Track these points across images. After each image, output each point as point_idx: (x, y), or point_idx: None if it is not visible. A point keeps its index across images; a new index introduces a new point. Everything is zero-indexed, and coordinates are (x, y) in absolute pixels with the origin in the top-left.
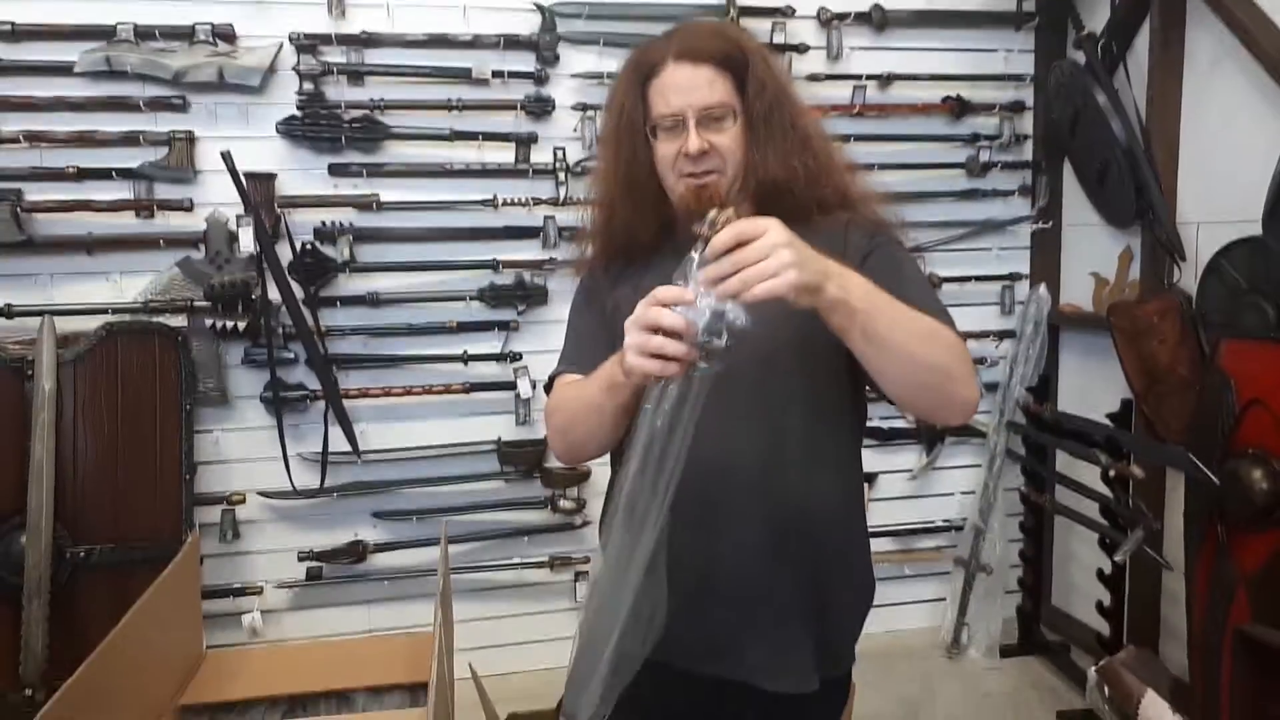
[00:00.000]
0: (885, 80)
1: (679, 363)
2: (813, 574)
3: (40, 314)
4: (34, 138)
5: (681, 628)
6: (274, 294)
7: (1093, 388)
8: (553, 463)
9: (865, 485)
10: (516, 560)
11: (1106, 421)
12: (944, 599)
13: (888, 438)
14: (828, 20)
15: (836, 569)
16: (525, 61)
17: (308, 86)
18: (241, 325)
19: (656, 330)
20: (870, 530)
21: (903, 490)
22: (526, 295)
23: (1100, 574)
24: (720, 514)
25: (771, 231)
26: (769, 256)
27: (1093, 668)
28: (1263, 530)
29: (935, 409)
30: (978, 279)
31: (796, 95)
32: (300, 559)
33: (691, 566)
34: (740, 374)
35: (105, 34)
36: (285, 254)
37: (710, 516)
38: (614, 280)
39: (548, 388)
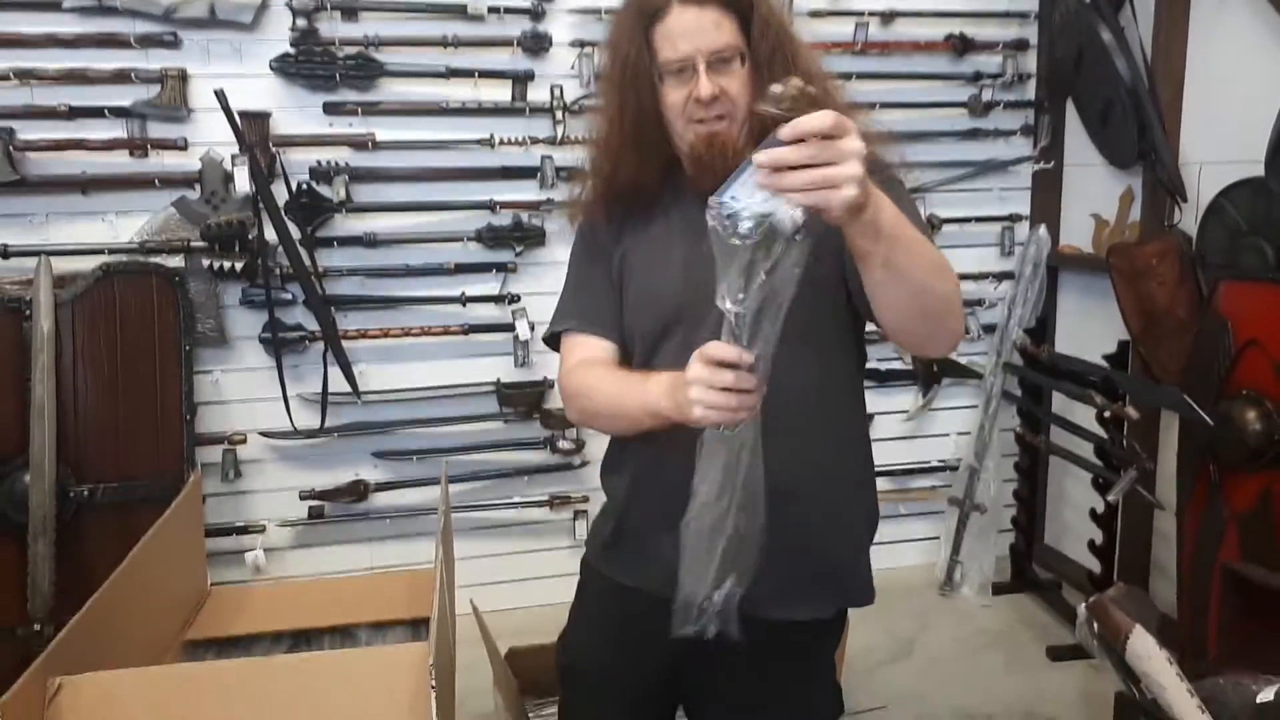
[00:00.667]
0: (887, 17)
1: (748, 410)
2: (823, 512)
3: (36, 254)
4: (25, 75)
5: None
6: (271, 234)
7: (1090, 329)
8: (551, 404)
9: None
10: (516, 499)
11: (1103, 363)
12: (938, 537)
13: (884, 379)
14: None
15: (846, 507)
16: None
17: (301, 23)
18: (239, 266)
19: (723, 389)
20: None
21: (899, 431)
22: (524, 236)
23: (1093, 513)
24: None
25: (853, 135)
26: (843, 164)
27: (1082, 604)
28: (1255, 471)
29: (929, 340)
30: (978, 220)
31: (796, 32)
32: (302, 498)
33: None
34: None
35: None
36: (281, 194)
37: None
38: (618, 229)
39: (552, 343)
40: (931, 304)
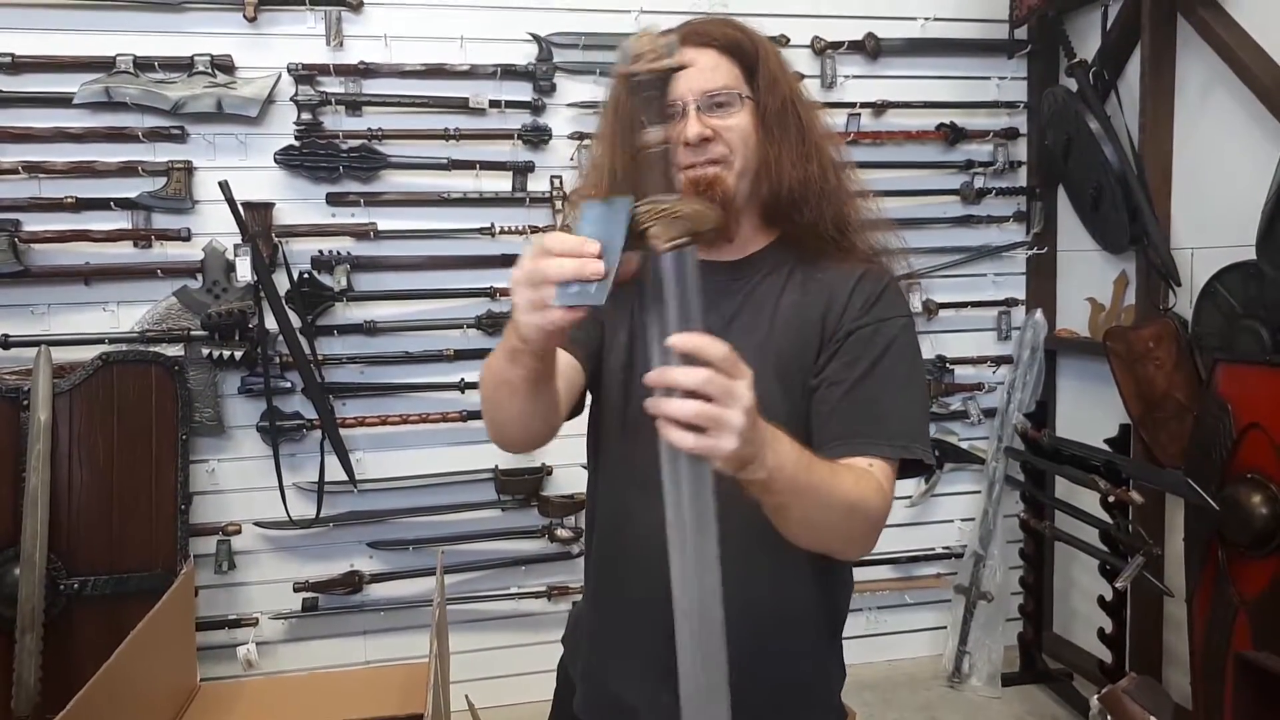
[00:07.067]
0: (879, 108)
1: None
2: (792, 674)
3: (37, 344)
4: (33, 168)
5: None
6: (271, 323)
7: (1090, 413)
8: (549, 490)
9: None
10: (514, 590)
11: (1105, 447)
12: (945, 627)
13: None
14: (822, 49)
15: (817, 664)
16: (522, 91)
17: (305, 116)
18: (238, 354)
19: (546, 282)
20: (870, 558)
21: (902, 517)
22: None
23: (1101, 600)
24: None
25: (744, 383)
26: (729, 408)
27: (1095, 696)
28: (1263, 555)
29: (832, 552)
30: (974, 305)
31: (810, 102)
32: (296, 590)
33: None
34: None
35: (104, 65)
36: (283, 283)
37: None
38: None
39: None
40: (822, 540)
